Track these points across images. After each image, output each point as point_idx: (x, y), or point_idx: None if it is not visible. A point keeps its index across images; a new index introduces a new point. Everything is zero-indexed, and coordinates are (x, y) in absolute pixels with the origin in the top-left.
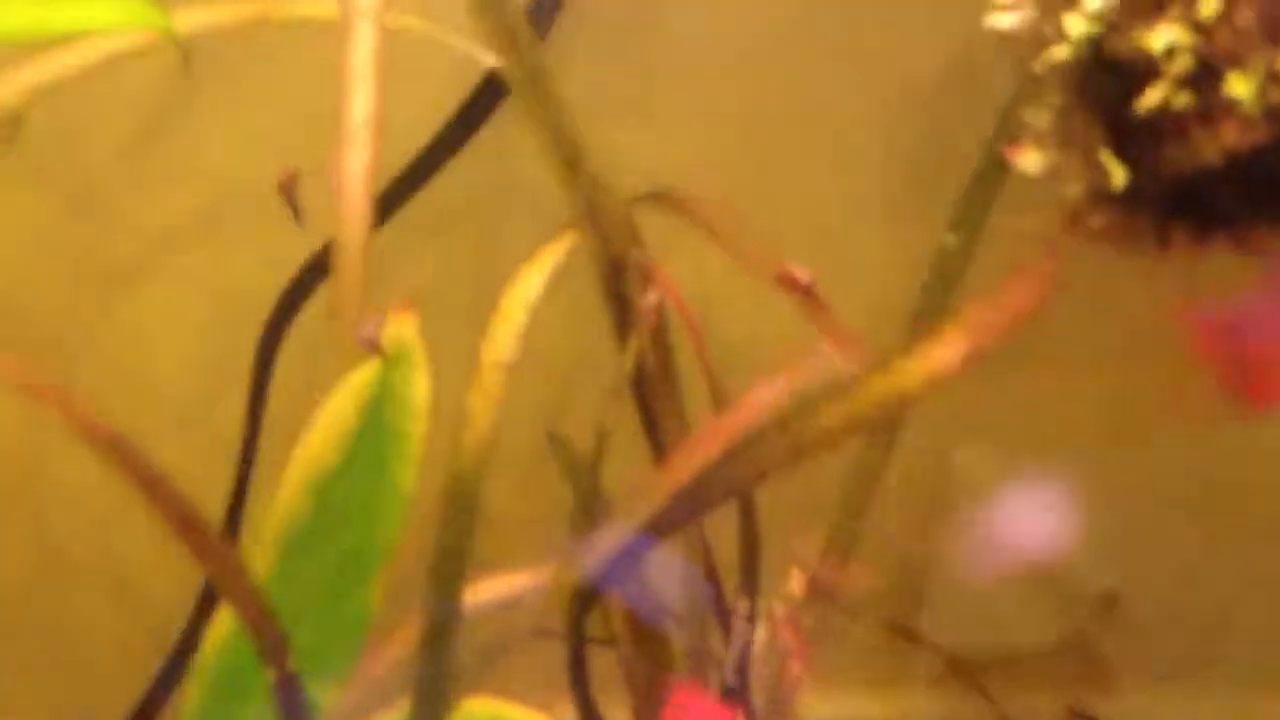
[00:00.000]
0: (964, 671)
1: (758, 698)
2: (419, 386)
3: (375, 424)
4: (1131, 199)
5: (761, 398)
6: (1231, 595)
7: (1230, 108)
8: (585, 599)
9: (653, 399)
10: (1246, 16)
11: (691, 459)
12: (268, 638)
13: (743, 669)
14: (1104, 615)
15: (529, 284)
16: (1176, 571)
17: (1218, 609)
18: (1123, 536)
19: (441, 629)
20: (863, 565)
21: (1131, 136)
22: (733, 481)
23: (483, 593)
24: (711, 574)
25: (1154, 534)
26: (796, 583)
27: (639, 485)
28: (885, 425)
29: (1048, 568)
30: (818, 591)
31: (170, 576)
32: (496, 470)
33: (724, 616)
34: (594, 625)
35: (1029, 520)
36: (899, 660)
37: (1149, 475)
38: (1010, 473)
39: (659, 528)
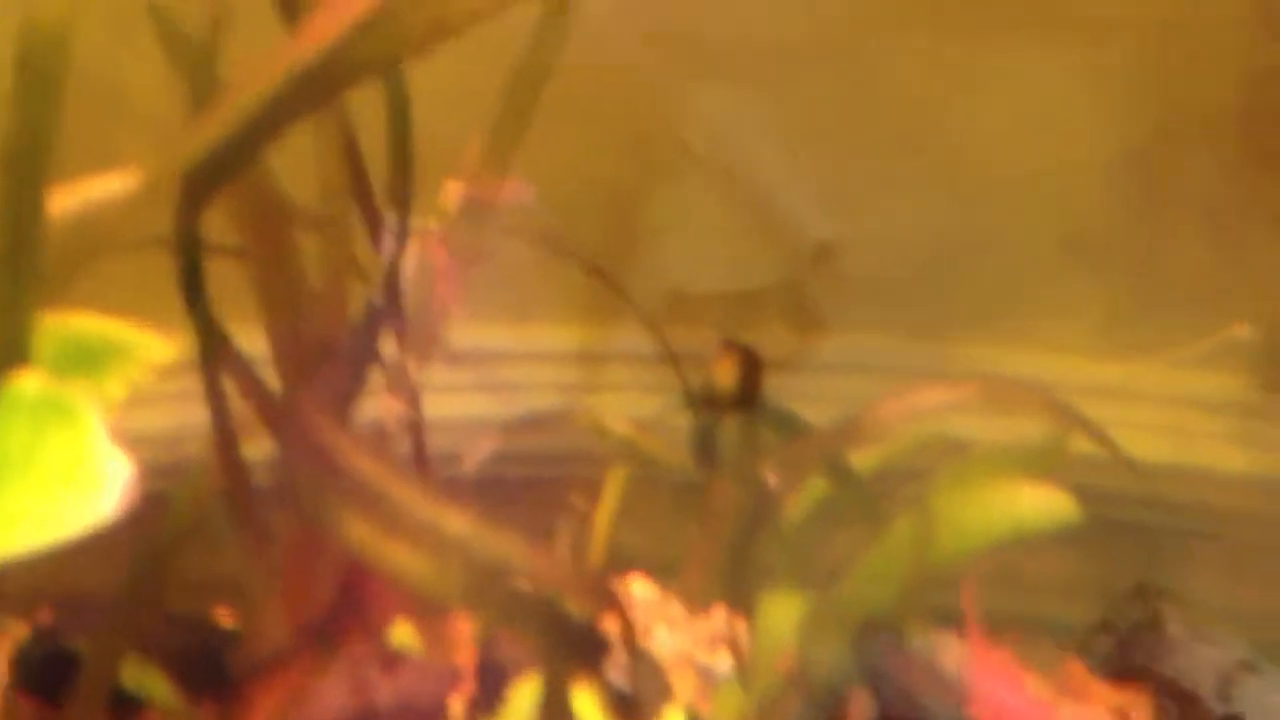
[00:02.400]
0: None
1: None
2: None
3: None
4: None
5: None
6: (950, 246)
7: None
8: (196, 197)
9: None
10: None
11: (320, 31)
12: None
13: (392, 288)
14: (820, 263)
15: None
16: (897, 221)
17: (936, 259)
18: (846, 187)
19: (18, 231)
20: (520, 179)
21: None
22: (367, 59)
23: (78, 194)
24: (362, 182)
25: (877, 185)
26: (451, 196)
27: (259, 62)
28: (551, 28)
29: (769, 217)
30: (473, 207)
31: None
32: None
33: (374, 230)
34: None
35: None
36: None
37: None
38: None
39: (284, 110)
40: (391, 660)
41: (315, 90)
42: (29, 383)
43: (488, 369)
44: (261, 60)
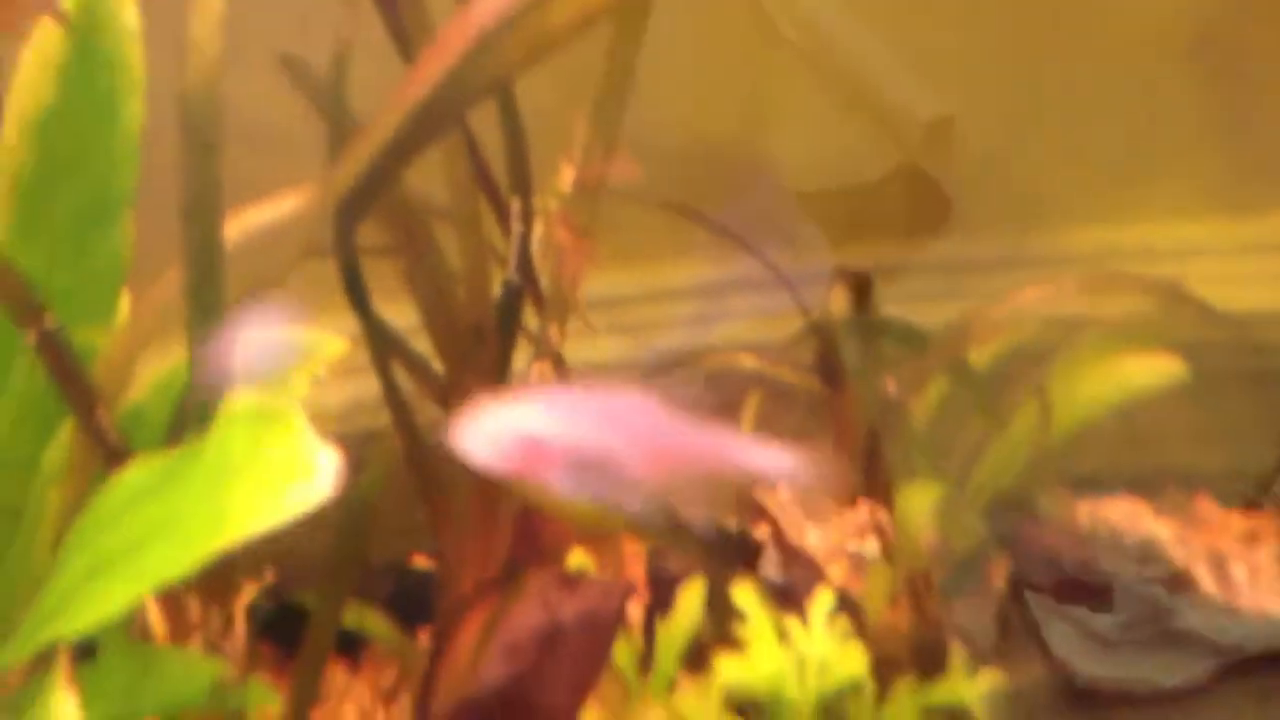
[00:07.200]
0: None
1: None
2: (127, 7)
3: (88, 53)
4: None
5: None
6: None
7: None
8: (349, 220)
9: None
10: None
11: (432, 66)
12: (18, 301)
13: (524, 265)
14: (934, 142)
15: None
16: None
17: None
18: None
19: (204, 261)
20: (629, 154)
21: None
22: (476, 84)
23: (248, 221)
24: (485, 176)
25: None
26: (565, 177)
27: (387, 98)
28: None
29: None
30: (587, 184)
31: None
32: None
33: (503, 217)
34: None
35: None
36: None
37: None
38: None
39: (415, 136)
40: (572, 581)
41: (438, 116)
42: (243, 398)
43: (616, 313)
44: (389, 97)
